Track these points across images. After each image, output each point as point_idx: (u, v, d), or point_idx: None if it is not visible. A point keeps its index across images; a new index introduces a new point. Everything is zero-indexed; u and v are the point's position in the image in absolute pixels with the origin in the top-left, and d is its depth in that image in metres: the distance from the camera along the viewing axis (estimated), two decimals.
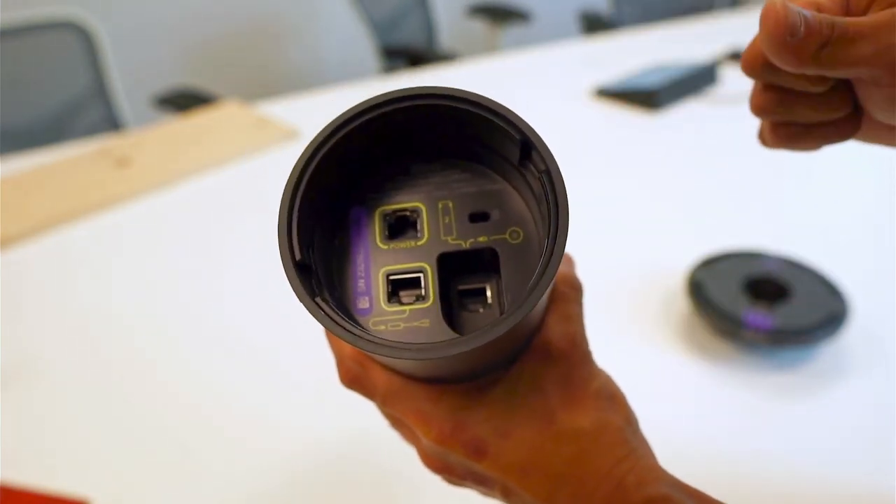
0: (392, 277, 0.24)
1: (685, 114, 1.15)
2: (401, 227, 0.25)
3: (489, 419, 0.25)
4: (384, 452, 0.52)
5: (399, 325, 0.24)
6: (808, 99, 0.29)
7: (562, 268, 0.28)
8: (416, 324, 0.24)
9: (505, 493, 0.26)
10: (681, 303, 0.68)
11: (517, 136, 0.23)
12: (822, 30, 0.24)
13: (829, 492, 0.50)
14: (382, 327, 0.24)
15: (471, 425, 0.25)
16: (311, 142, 0.23)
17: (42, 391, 0.61)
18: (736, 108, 1.16)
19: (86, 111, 1.35)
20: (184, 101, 1.47)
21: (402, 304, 0.24)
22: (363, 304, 0.24)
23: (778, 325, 0.59)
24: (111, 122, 1.38)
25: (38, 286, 0.75)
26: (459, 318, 0.25)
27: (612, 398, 0.27)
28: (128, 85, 1.40)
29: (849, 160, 1.00)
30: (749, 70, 0.30)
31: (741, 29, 1.61)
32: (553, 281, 0.21)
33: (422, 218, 0.25)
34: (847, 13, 0.27)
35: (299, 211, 0.22)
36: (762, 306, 0.62)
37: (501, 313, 0.24)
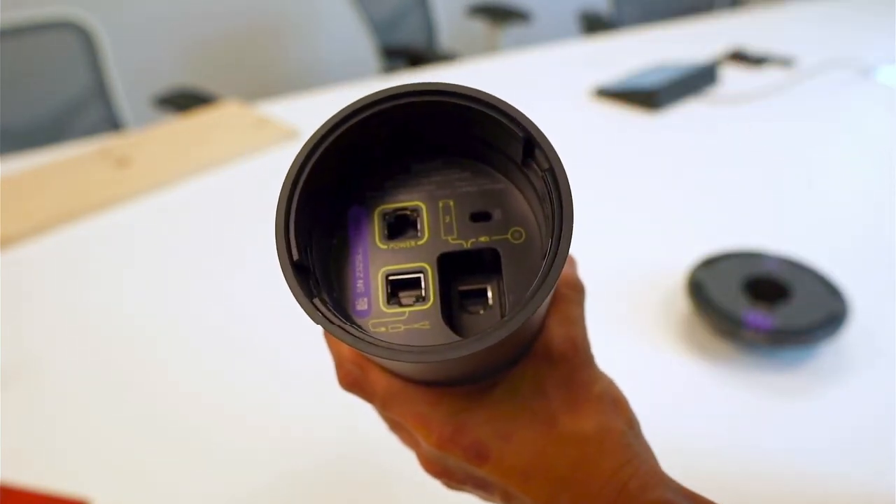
0: (391, 278, 0.24)
1: (685, 114, 1.15)
2: (400, 226, 0.25)
3: (490, 422, 0.25)
4: (385, 452, 0.52)
5: (399, 327, 0.23)
6: None
7: (564, 269, 0.28)
8: (415, 325, 0.23)
9: (506, 497, 0.26)
10: (681, 303, 0.68)
11: (520, 134, 0.22)
12: None
13: (829, 492, 0.50)
14: (382, 329, 0.23)
15: (471, 429, 0.25)
16: (310, 139, 0.23)
17: (42, 391, 0.61)
18: (736, 108, 1.16)
19: (86, 111, 1.35)
20: (184, 101, 1.47)
21: (401, 305, 0.24)
22: (362, 305, 0.24)
23: (778, 325, 0.59)
24: (111, 122, 1.38)
25: (38, 286, 0.75)
26: (460, 320, 0.24)
27: (614, 402, 0.26)
28: (128, 85, 1.40)
29: (849, 160, 1.00)
30: None
31: (741, 29, 1.61)
32: (556, 284, 0.20)
33: (422, 217, 0.25)
34: None
35: (297, 210, 0.22)
36: (762, 306, 0.62)
37: (502, 315, 0.24)
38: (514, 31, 2.35)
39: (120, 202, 0.90)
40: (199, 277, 0.76)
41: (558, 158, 0.22)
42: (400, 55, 1.96)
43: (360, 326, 0.23)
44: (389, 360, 0.20)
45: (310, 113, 1.20)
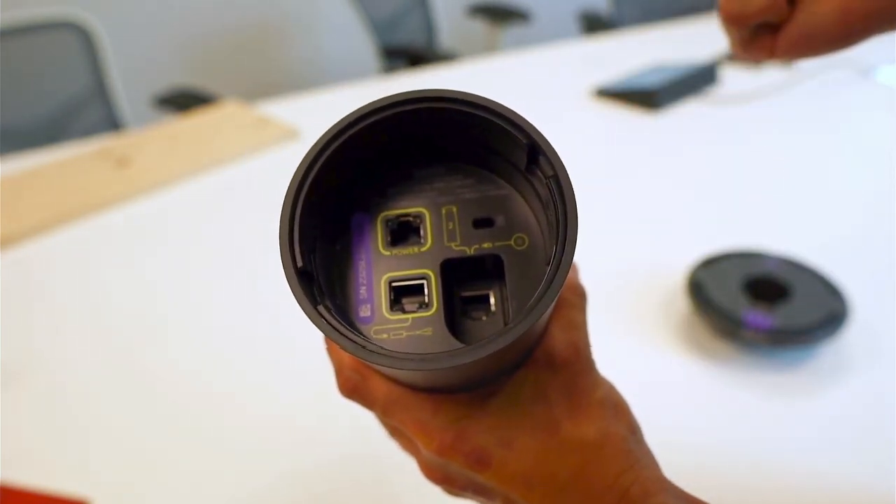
0: (395, 284, 0.24)
1: (685, 114, 1.15)
2: (403, 233, 0.25)
3: (491, 429, 0.25)
4: (388, 453, 0.52)
5: (401, 334, 0.23)
6: None
7: None
8: (418, 332, 0.23)
9: None
10: (681, 303, 0.68)
11: (524, 141, 0.22)
12: None
13: (829, 491, 0.50)
14: (384, 336, 0.23)
15: (472, 435, 0.25)
16: (314, 146, 0.23)
17: (42, 391, 0.61)
18: (736, 108, 1.16)
19: (86, 111, 1.35)
20: (184, 101, 1.48)
21: (404, 311, 0.24)
22: (365, 311, 0.24)
23: (778, 325, 0.59)
24: (111, 122, 1.38)
25: (38, 286, 0.75)
26: (462, 326, 0.24)
27: (615, 407, 0.26)
28: (128, 85, 1.40)
29: (849, 160, 1.00)
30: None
31: None
32: (560, 291, 0.20)
33: (425, 224, 0.25)
34: None
35: (301, 217, 0.22)
36: (762, 306, 0.62)
37: (505, 321, 0.24)
38: (514, 31, 2.35)
39: (120, 202, 0.90)
40: (199, 277, 0.76)
41: (563, 165, 0.22)
42: (400, 55, 1.96)
43: (362, 333, 0.23)
44: (392, 368, 0.20)
45: (310, 113, 1.20)
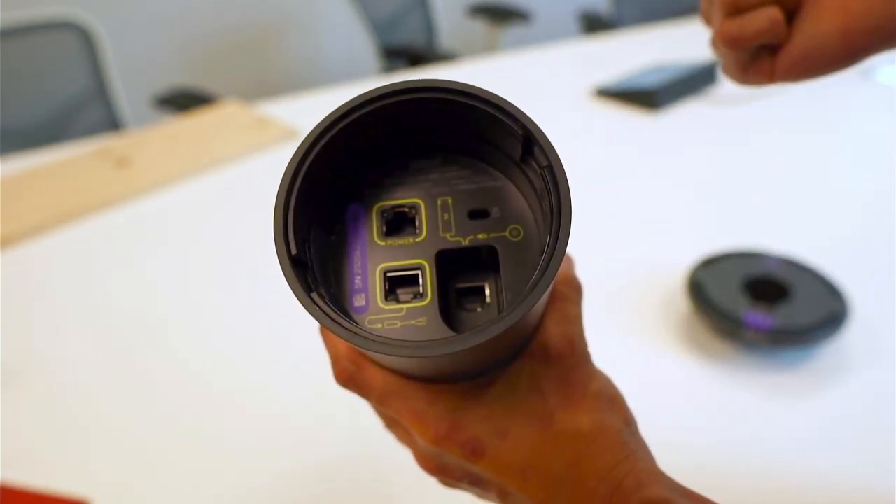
0: (389, 274, 0.24)
1: (685, 114, 1.15)
2: (399, 223, 0.25)
3: (487, 419, 0.25)
4: (385, 450, 0.52)
5: (396, 324, 0.23)
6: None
7: (561, 267, 0.28)
8: (413, 322, 0.23)
9: (502, 494, 0.26)
10: (681, 303, 0.68)
11: (519, 131, 0.22)
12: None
13: (829, 491, 0.50)
14: (379, 325, 0.23)
15: (468, 425, 0.25)
16: (308, 135, 0.23)
17: (42, 391, 0.61)
18: (736, 108, 1.16)
19: (86, 111, 1.35)
20: (184, 101, 1.48)
21: (399, 301, 0.24)
22: (359, 301, 0.24)
23: (778, 325, 0.59)
24: (111, 122, 1.38)
25: (38, 286, 0.75)
26: (457, 317, 0.24)
27: (611, 400, 0.26)
28: (128, 85, 1.40)
29: (849, 160, 1.00)
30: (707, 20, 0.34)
31: None
32: (554, 280, 0.20)
33: (420, 214, 0.25)
34: None
35: (295, 206, 0.22)
36: (762, 306, 0.62)
37: (500, 313, 0.24)
38: (514, 31, 2.35)
39: (120, 202, 0.90)
40: (198, 277, 0.76)
41: (557, 155, 0.22)
42: (400, 55, 1.96)
43: (356, 322, 0.23)
44: (386, 354, 0.20)
45: (310, 113, 1.20)
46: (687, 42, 1.50)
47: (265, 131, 1.08)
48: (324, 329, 0.27)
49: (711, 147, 1.05)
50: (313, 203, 0.23)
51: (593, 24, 2.00)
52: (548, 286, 0.20)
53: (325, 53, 2.42)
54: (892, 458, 0.52)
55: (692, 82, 1.20)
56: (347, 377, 0.27)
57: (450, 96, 0.22)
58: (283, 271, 0.21)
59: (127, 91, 1.39)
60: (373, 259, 0.24)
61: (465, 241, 0.24)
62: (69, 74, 1.33)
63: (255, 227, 0.83)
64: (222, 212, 0.89)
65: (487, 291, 0.25)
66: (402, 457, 0.30)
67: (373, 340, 0.20)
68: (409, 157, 0.26)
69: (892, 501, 0.50)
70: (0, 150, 1.22)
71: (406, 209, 0.25)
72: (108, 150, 1.03)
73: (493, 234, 0.24)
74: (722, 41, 0.32)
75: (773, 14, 0.30)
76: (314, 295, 0.21)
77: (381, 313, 0.24)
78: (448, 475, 0.27)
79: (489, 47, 2.39)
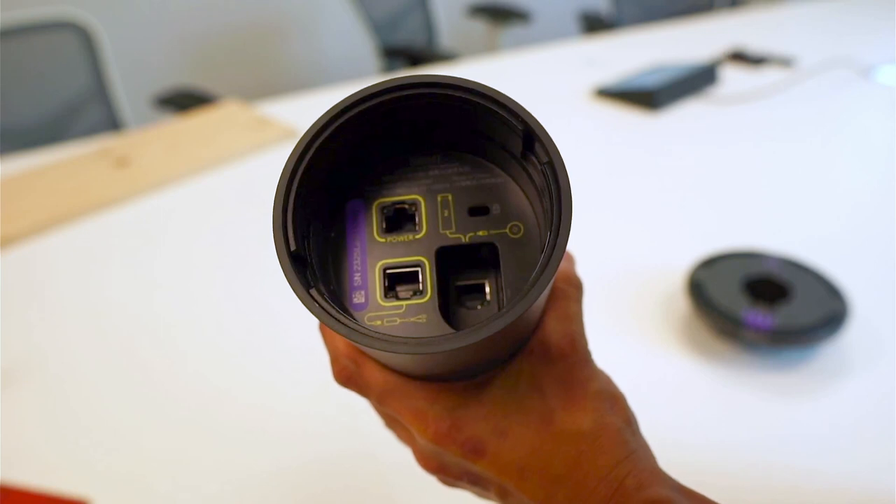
0: (389, 271, 0.24)
1: (685, 114, 1.15)
2: (399, 220, 0.25)
3: (487, 418, 0.25)
4: (385, 448, 0.52)
5: (395, 321, 0.23)
6: None
7: (562, 265, 0.28)
8: (412, 319, 0.23)
9: (502, 494, 0.26)
10: (681, 303, 0.68)
11: (520, 127, 0.22)
12: None
13: (829, 491, 0.50)
14: (378, 322, 0.23)
15: (468, 424, 0.25)
16: (308, 131, 0.22)
17: (42, 391, 0.61)
18: (736, 108, 1.16)
19: (86, 111, 1.35)
20: (184, 101, 1.48)
21: (398, 298, 0.24)
22: (359, 298, 0.24)
23: (778, 325, 0.59)
24: (111, 122, 1.38)
25: (38, 286, 0.75)
26: (457, 315, 0.24)
27: (611, 399, 0.26)
28: (128, 85, 1.40)
29: (849, 160, 1.00)
30: None
31: (741, 29, 1.61)
32: (554, 277, 0.20)
33: (420, 211, 0.24)
34: None
35: (295, 201, 0.22)
36: (762, 306, 0.62)
37: (500, 310, 0.24)
38: (514, 31, 2.35)
39: (120, 202, 0.90)
40: (199, 277, 0.76)
41: (557, 151, 0.21)
42: (400, 55, 1.96)
43: (356, 319, 0.23)
44: (385, 351, 0.20)
45: (310, 113, 1.19)
46: (687, 42, 1.50)
47: (265, 131, 1.08)
48: (323, 326, 0.26)
49: (711, 147, 1.05)
50: (313, 199, 0.23)
51: (593, 24, 2.00)
52: (548, 283, 0.20)
53: (325, 53, 2.42)
54: (892, 458, 0.52)
55: (692, 82, 1.20)
56: (347, 376, 0.27)
57: (450, 92, 0.22)
58: (282, 267, 0.21)
59: (127, 91, 1.39)
60: (372, 256, 0.24)
61: (466, 238, 0.24)
62: (69, 74, 1.33)
63: (255, 226, 0.83)
64: (222, 212, 0.89)
65: (487, 289, 0.24)
66: (402, 455, 0.30)
67: (372, 337, 0.20)
68: (409, 154, 0.25)
69: (892, 501, 0.50)
70: (0, 150, 1.22)
71: (406, 206, 0.25)
72: (108, 150, 1.03)
73: (493, 231, 0.24)
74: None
75: None
76: (313, 291, 0.21)
77: (380, 310, 0.23)
78: (448, 474, 0.27)
79: (489, 47, 2.39)
